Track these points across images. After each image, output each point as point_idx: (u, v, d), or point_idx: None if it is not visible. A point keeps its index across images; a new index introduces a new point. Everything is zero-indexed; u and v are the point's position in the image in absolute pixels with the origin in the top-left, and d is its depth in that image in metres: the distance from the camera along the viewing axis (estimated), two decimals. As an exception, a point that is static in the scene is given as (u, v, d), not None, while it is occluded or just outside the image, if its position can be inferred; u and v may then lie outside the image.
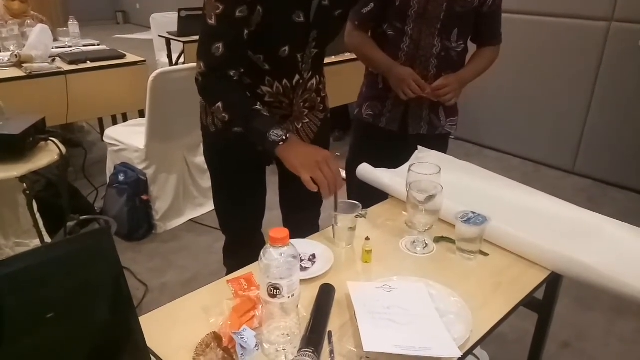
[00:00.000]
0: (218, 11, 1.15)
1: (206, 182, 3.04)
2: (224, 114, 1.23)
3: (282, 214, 1.69)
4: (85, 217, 2.26)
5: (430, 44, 1.64)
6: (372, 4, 1.64)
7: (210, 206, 3.05)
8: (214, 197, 1.59)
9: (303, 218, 1.58)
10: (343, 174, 1.60)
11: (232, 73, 1.22)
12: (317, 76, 1.44)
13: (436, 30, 1.62)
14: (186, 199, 2.94)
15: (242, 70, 1.25)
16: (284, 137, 1.16)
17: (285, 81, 1.34)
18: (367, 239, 1.17)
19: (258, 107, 1.21)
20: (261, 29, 1.20)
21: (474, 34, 1.73)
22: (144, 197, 2.69)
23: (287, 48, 1.26)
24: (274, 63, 1.30)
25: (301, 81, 1.37)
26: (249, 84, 1.32)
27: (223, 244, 1.68)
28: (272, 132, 1.16)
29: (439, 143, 1.79)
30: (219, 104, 1.22)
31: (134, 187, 2.65)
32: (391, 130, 1.79)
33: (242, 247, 1.40)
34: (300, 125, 1.46)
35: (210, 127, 1.43)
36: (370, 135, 1.85)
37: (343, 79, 2.97)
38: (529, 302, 1.32)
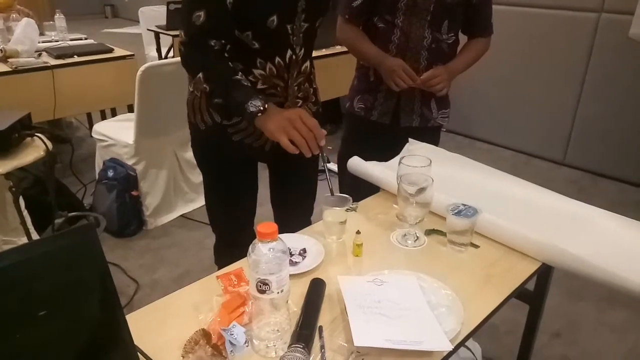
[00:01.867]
0: None
1: (197, 177, 3.01)
2: (204, 85, 1.21)
3: (274, 212, 1.67)
4: (73, 213, 2.24)
5: (420, 36, 1.64)
6: None
7: (201, 201, 3.02)
8: (205, 195, 1.56)
9: (295, 216, 1.56)
10: (333, 167, 1.60)
11: (212, 42, 1.19)
12: (309, 60, 1.40)
13: (426, 22, 1.61)
14: (177, 195, 2.91)
15: (224, 41, 1.22)
16: (262, 108, 1.15)
17: (277, 59, 1.29)
18: (358, 232, 1.16)
19: (238, 77, 1.19)
20: (250, 2, 1.17)
21: (464, 25, 1.73)
22: (134, 193, 2.67)
23: (275, 18, 1.20)
24: (263, 38, 1.24)
25: (294, 57, 1.31)
26: (240, 70, 1.26)
27: (214, 241, 1.66)
28: (251, 102, 1.15)
29: (431, 135, 1.79)
30: (200, 74, 1.20)
31: (124, 182, 2.62)
32: (383, 123, 1.79)
33: (232, 246, 1.33)
34: None
35: (200, 125, 1.38)
36: (362, 129, 1.85)
37: (334, 72, 2.96)
38: (520, 293, 1.33)
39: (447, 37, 1.67)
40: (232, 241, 1.52)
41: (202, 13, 1.15)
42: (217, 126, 1.35)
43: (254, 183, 1.52)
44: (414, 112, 1.77)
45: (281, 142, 1.14)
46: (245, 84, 1.19)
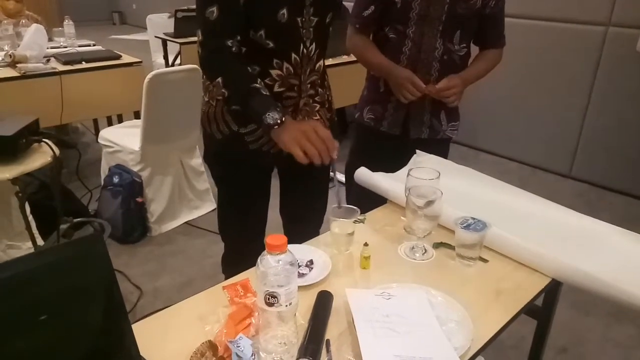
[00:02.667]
0: None
1: (202, 184, 3.01)
2: (223, 90, 1.22)
3: (283, 222, 1.66)
4: (78, 219, 2.23)
5: (432, 47, 1.62)
6: (372, 7, 1.63)
7: (205, 209, 3.02)
8: (218, 205, 1.57)
9: (303, 228, 1.54)
10: (341, 177, 1.59)
11: (229, 43, 1.21)
12: (323, 60, 1.41)
13: (438, 32, 1.60)
14: (181, 202, 2.91)
15: (239, 39, 1.23)
16: (279, 121, 1.16)
17: (293, 56, 1.30)
18: (366, 244, 1.16)
19: (257, 85, 1.20)
20: None
21: (476, 36, 1.71)
22: (139, 200, 2.67)
23: (285, 11, 1.22)
24: (276, 35, 1.26)
25: (306, 52, 1.32)
26: (258, 72, 1.29)
27: (218, 248, 1.65)
28: (269, 114, 1.16)
29: (440, 147, 1.77)
30: (219, 79, 1.21)
31: (129, 189, 2.62)
32: (392, 134, 1.77)
33: (242, 254, 1.28)
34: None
35: (216, 135, 1.39)
36: (370, 139, 1.83)
37: (341, 82, 2.95)
38: (528, 309, 1.31)
39: (459, 49, 1.65)
40: (242, 251, 1.47)
41: (214, 8, 1.17)
42: (233, 135, 1.36)
43: (267, 192, 1.53)
44: (423, 123, 1.75)
45: (294, 153, 1.15)
46: (264, 93, 1.20)
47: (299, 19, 1.27)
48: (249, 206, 1.50)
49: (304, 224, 1.58)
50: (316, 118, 1.42)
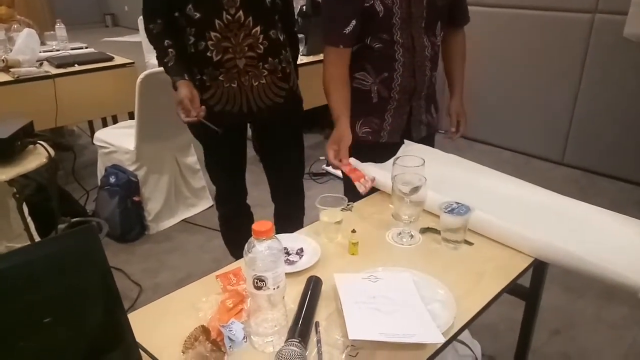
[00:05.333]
0: None
1: (197, 182, 3.04)
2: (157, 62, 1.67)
3: (266, 174, 1.98)
4: (76, 219, 2.27)
5: (422, 47, 1.55)
6: (353, 21, 1.48)
7: (202, 206, 3.06)
8: (205, 158, 1.88)
9: (283, 178, 1.94)
10: (336, 172, 1.62)
11: (151, 26, 1.62)
12: (260, 25, 1.62)
13: (422, 29, 1.54)
14: (178, 200, 2.94)
15: (160, 21, 1.62)
16: (175, 89, 1.60)
17: (217, 22, 1.57)
18: (354, 231, 1.19)
19: (166, 60, 1.63)
20: None
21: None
22: (136, 199, 2.70)
23: None
24: (200, 7, 1.56)
25: (230, 18, 1.57)
26: (194, 42, 1.63)
27: (216, 245, 1.75)
28: (174, 80, 1.63)
29: (431, 139, 1.80)
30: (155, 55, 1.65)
31: (125, 188, 2.66)
32: (393, 142, 1.65)
33: (230, 196, 1.94)
34: (257, 83, 1.68)
35: None
36: (368, 153, 1.59)
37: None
38: (515, 290, 1.35)
39: (439, 39, 1.63)
40: (228, 191, 1.94)
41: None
42: (201, 102, 1.64)
43: (242, 146, 1.87)
44: (422, 122, 1.70)
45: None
46: (171, 64, 1.63)
47: None
48: (227, 155, 1.84)
49: (283, 173, 1.93)
50: (262, 82, 1.69)
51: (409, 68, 1.56)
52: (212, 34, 1.58)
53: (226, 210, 1.99)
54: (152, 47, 1.69)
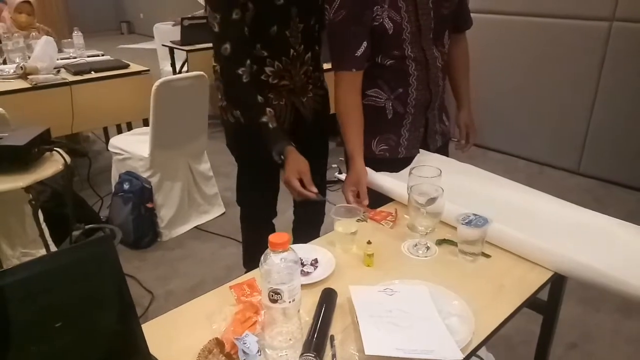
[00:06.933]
0: (217, 20, 1.39)
1: (210, 189, 3.05)
2: (241, 119, 1.54)
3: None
4: (90, 225, 2.28)
5: (434, 59, 1.54)
6: (364, 43, 1.45)
7: (214, 213, 3.06)
8: (238, 176, 1.84)
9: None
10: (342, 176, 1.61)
11: (241, 71, 1.45)
12: (311, 51, 1.65)
13: (432, 41, 1.52)
14: (191, 207, 2.95)
15: (248, 62, 1.48)
16: (279, 162, 1.43)
17: (284, 59, 1.57)
18: (369, 242, 1.18)
19: (265, 118, 1.44)
20: (254, 20, 1.44)
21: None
22: (149, 205, 2.71)
23: (275, 28, 1.51)
24: (269, 47, 1.53)
25: (295, 54, 1.59)
26: (256, 71, 1.55)
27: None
28: (274, 152, 1.44)
29: (446, 147, 1.79)
30: (237, 111, 1.54)
31: (139, 195, 2.67)
32: (411, 157, 1.61)
33: (256, 220, 1.89)
34: (305, 99, 1.69)
35: (230, 119, 1.67)
36: (387, 169, 1.56)
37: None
38: (533, 303, 1.32)
39: (447, 48, 1.61)
40: (256, 213, 1.90)
41: (227, 45, 1.42)
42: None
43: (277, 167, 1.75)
44: (437, 132, 1.69)
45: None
46: (272, 126, 1.45)
47: (287, 32, 1.54)
48: (262, 175, 1.77)
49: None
50: (310, 95, 1.71)
51: (424, 81, 1.54)
52: (276, 64, 1.57)
53: (251, 235, 1.96)
54: (235, 98, 1.56)
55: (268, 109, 1.46)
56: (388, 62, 1.51)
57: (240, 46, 1.43)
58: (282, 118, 1.65)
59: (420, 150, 1.63)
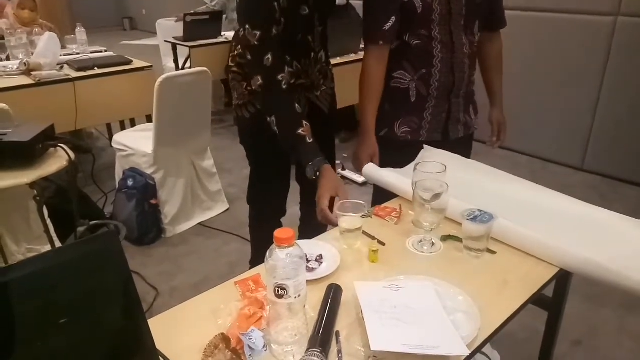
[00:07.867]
0: (257, 37, 1.42)
1: (214, 185, 3.05)
2: (275, 128, 1.45)
3: (301, 188, 1.90)
4: (95, 222, 2.29)
5: (461, 44, 1.56)
6: (393, 18, 1.51)
7: (218, 209, 3.06)
8: (251, 175, 1.84)
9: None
10: (351, 175, 1.61)
11: (280, 77, 1.44)
12: (324, 49, 1.71)
13: (461, 27, 1.55)
14: (195, 203, 2.96)
15: (286, 69, 1.49)
16: (314, 177, 1.38)
17: (303, 60, 1.63)
18: (374, 238, 1.17)
19: (303, 130, 1.40)
20: (284, 31, 1.48)
21: (485, 20, 1.67)
22: (153, 202, 2.71)
23: (300, 35, 1.58)
24: (292, 51, 1.57)
25: (315, 57, 1.66)
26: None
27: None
28: (308, 167, 1.39)
29: (468, 143, 1.79)
30: (273, 118, 1.45)
31: (143, 191, 2.67)
32: (432, 141, 1.65)
33: (266, 220, 1.83)
34: (319, 92, 1.73)
35: (245, 114, 1.68)
36: (407, 152, 1.58)
37: (348, 80, 2.97)
38: (538, 300, 1.32)
39: (477, 39, 1.62)
40: (265, 214, 1.88)
41: (269, 56, 1.42)
42: (258, 112, 1.63)
43: (288, 165, 1.77)
44: (459, 121, 1.69)
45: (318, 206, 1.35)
46: (308, 140, 1.41)
47: (309, 37, 1.60)
48: (276, 171, 1.77)
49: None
50: (323, 89, 1.76)
51: (447, 64, 1.57)
52: (295, 65, 1.61)
53: (260, 235, 1.93)
54: (266, 109, 1.52)
55: (305, 122, 1.42)
56: (414, 42, 1.55)
57: (278, 55, 1.47)
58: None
59: (425, 146, 1.62)
